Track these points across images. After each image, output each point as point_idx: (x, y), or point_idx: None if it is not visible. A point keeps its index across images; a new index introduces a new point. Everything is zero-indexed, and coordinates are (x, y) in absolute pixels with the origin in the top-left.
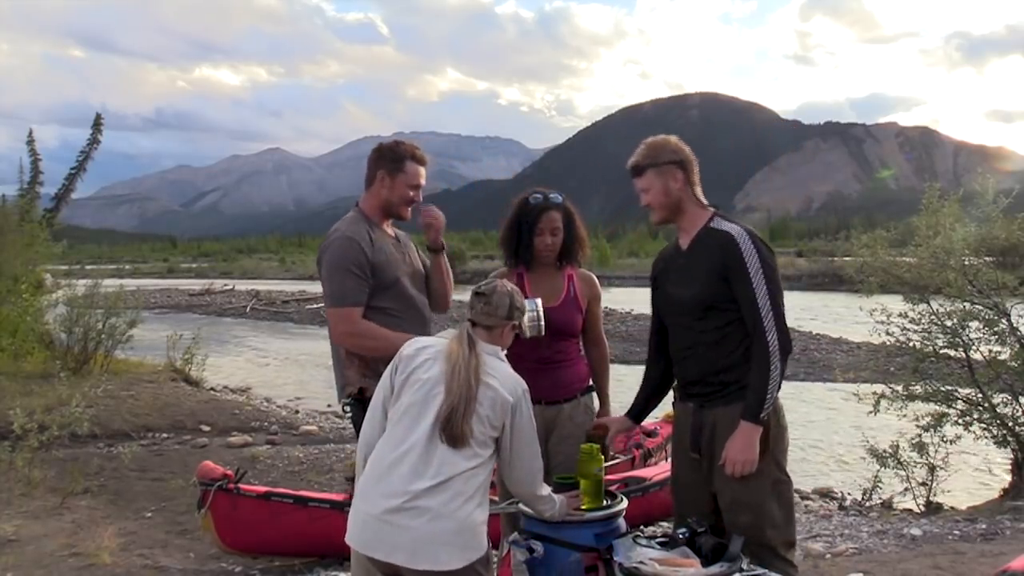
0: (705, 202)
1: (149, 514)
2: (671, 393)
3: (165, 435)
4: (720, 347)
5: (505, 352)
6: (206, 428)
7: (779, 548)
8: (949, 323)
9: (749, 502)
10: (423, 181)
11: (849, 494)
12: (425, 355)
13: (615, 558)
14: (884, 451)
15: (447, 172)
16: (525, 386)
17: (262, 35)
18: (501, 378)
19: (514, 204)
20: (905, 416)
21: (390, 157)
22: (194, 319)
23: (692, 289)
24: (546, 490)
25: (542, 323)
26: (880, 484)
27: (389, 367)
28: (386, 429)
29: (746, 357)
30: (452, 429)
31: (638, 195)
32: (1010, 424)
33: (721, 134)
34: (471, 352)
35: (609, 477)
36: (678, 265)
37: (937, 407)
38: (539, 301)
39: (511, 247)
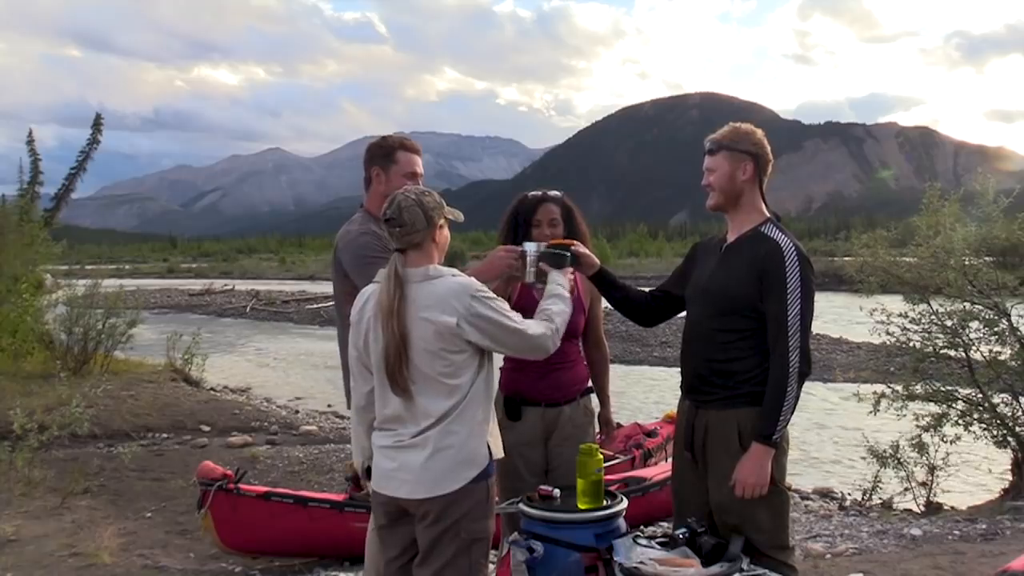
0: (765, 206)
1: (149, 514)
2: (672, 393)
3: (165, 435)
4: (726, 351)
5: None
6: (206, 428)
7: (767, 551)
8: (949, 323)
9: (736, 507)
10: (419, 168)
11: (849, 494)
12: (370, 307)
13: (615, 558)
14: (884, 451)
15: (447, 172)
16: (473, 288)
17: (260, 34)
18: (437, 303)
19: (513, 201)
20: (905, 416)
21: (380, 153)
22: (194, 319)
23: (721, 286)
24: (541, 328)
25: (534, 267)
26: (880, 484)
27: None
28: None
29: (751, 369)
30: (397, 383)
31: (703, 173)
32: (1010, 424)
33: None
34: (396, 293)
35: (609, 477)
36: (716, 257)
37: (937, 407)
38: (540, 245)
39: (508, 242)
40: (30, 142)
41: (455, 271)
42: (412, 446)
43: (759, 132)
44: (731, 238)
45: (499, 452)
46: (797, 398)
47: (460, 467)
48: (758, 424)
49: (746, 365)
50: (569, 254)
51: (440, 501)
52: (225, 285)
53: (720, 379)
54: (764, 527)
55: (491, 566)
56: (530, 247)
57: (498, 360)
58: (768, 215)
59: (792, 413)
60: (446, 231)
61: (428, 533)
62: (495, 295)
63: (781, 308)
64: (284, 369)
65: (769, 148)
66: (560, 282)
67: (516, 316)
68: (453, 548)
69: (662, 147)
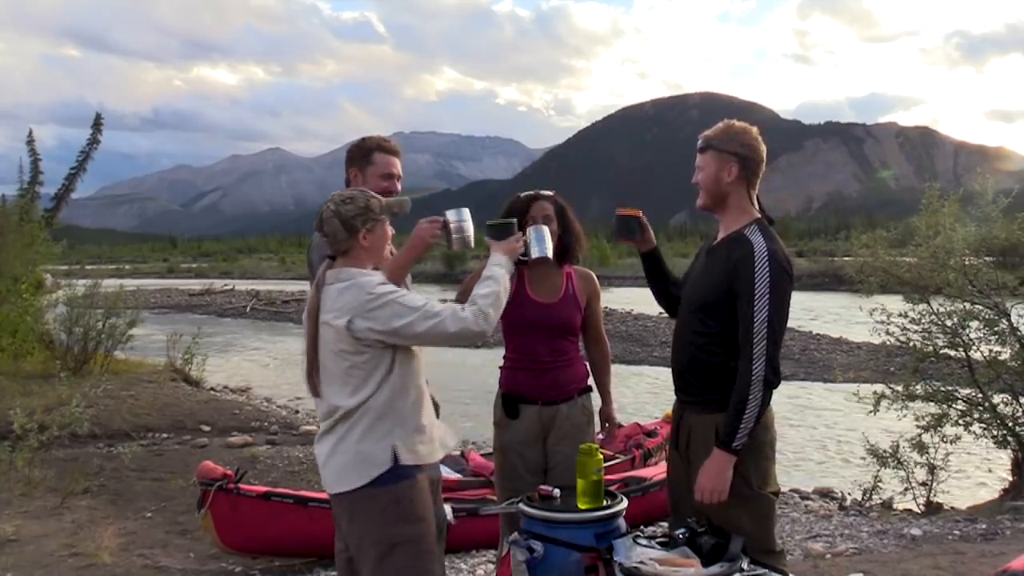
0: (755, 207)
1: (149, 514)
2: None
3: (165, 435)
4: (704, 352)
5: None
6: (206, 428)
7: (753, 555)
8: (949, 323)
9: (714, 509)
10: (397, 170)
11: (849, 494)
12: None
13: (615, 558)
14: (884, 451)
15: (447, 172)
16: (371, 284)
17: (259, 34)
18: (336, 305)
19: (506, 202)
20: (905, 416)
21: (358, 154)
22: (194, 319)
23: (701, 288)
24: (465, 312)
25: (468, 235)
26: (880, 484)
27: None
28: None
29: (728, 372)
30: (311, 383)
31: (693, 170)
32: (1010, 424)
33: None
34: (316, 298)
35: (609, 477)
36: (702, 258)
37: (937, 407)
38: (466, 210)
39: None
40: (30, 142)
41: (369, 272)
42: (321, 442)
43: (753, 132)
44: (717, 239)
45: (414, 459)
46: (762, 406)
47: (356, 467)
48: (721, 430)
49: (725, 369)
50: (542, 239)
51: (345, 502)
52: (225, 285)
53: (700, 381)
54: (746, 530)
55: (491, 566)
56: (451, 214)
57: (498, 359)
58: (756, 217)
59: (755, 422)
60: (380, 231)
61: (349, 535)
62: (404, 290)
63: (749, 312)
64: (284, 369)
65: (763, 149)
66: (496, 261)
67: (429, 303)
68: (374, 553)
69: (662, 147)
